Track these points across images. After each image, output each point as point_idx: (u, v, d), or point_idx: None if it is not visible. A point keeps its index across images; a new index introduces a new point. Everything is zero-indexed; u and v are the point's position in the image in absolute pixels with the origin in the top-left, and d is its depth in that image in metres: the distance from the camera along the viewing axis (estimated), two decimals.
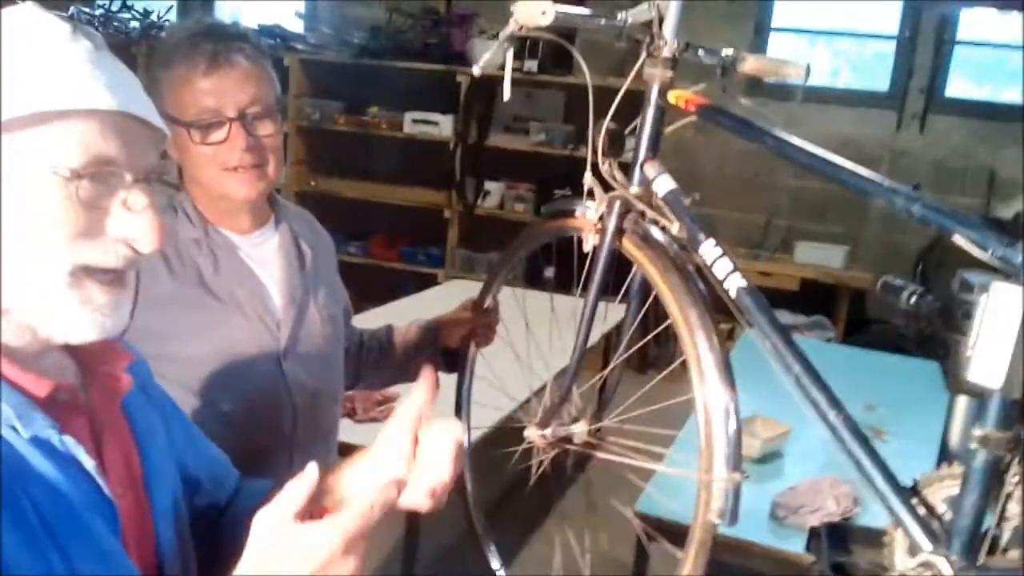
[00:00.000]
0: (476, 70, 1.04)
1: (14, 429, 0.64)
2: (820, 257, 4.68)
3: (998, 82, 4.87)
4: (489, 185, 5.09)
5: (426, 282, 4.66)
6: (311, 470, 0.71)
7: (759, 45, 4.89)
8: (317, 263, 1.37)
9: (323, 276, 1.40)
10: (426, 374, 0.89)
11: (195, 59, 1.17)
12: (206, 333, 1.22)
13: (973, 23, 4.64)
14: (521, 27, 1.02)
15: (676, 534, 1.58)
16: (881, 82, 4.89)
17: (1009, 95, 4.83)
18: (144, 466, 0.76)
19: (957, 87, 4.81)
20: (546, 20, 0.97)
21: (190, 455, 0.90)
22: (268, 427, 1.26)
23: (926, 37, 4.68)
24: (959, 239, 0.75)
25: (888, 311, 4.84)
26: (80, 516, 0.65)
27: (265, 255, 1.30)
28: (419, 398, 0.87)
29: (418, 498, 0.85)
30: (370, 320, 1.59)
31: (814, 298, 4.62)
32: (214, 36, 1.18)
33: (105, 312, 0.68)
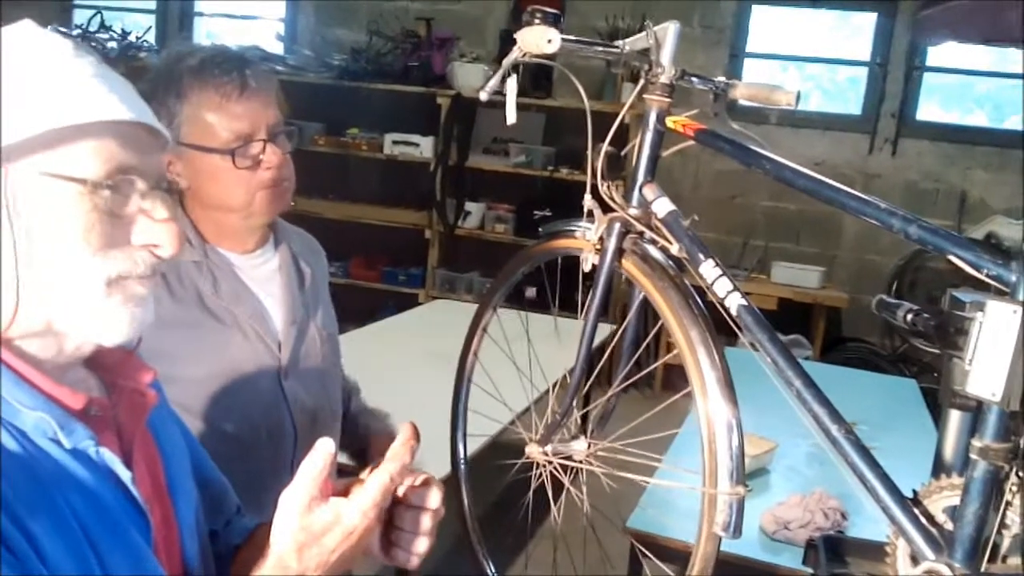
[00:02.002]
0: (483, 95, 1.06)
1: (55, 441, 0.64)
2: (796, 277, 4.75)
3: (964, 107, 5.02)
4: (469, 206, 5.12)
5: (407, 302, 4.66)
6: (325, 444, 0.75)
7: (733, 70, 4.99)
8: (316, 283, 1.39)
9: (321, 296, 1.41)
10: (406, 430, 0.82)
11: (225, 86, 1.18)
12: (207, 354, 1.22)
13: (940, 51, 4.78)
14: (525, 54, 1.04)
15: (668, 549, 1.60)
16: (853, 106, 5.01)
17: (972, 119, 4.97)
18: (169, 481, 0.77)
19: (926, 112, 4.94)
20: (552, 48, 0.99)
21: (197, 475, 0.91)
22: (270, 446, 1.26)
23: (897, 63, 4.81)
24: (954, 259, 0.78)
25: (863, 329, 4.93)
26: (117, 526, 0.66)
27: (265, 275, 1.31)
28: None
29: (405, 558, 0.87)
30: (354, 340, 1.59)
31: (791, 317, 4.69)
32: (239, 62, 1.20)
33: (142, 305, 0.69)
